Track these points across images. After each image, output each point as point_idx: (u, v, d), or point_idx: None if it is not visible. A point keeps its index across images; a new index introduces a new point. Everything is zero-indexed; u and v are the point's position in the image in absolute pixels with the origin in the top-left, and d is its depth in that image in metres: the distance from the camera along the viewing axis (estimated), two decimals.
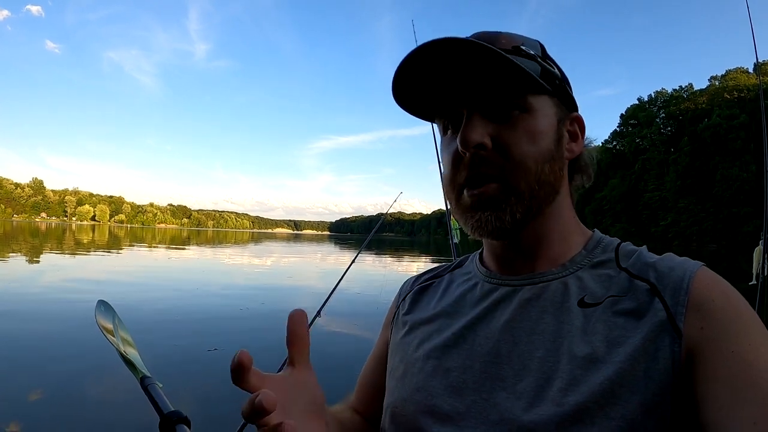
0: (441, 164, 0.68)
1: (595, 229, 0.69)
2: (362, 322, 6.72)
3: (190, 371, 4.43)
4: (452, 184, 0.62)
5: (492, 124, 0.58)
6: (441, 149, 0.66)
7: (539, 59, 0.60)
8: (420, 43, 0.55)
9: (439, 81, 0.60)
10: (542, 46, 0.64)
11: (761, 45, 3.45)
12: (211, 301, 8.25)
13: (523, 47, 0.60)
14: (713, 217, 71.31)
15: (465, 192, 0.60)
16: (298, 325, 0.47)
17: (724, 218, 69.06)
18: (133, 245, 27.50)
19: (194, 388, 3.98)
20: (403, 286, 0.82)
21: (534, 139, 0.58)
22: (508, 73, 0.56)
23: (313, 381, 0.49)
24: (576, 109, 0.66)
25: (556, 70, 0.63)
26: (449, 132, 0.63)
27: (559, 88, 0.62)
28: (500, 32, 0.61)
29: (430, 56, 0.56)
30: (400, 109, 0.63)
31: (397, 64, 0.58)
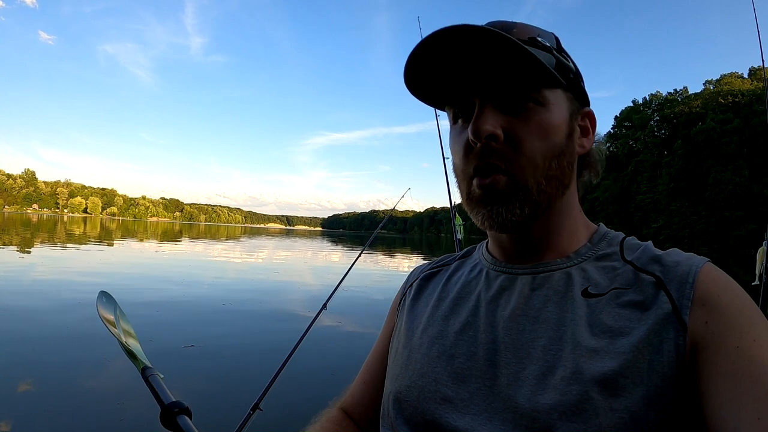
0: (452, 153, 0.67)
1: (600, 223, 0.69)
2: (354, 319, 6.62)
3: (165, 367, 4.28)
4: (463, 174, 0.61)
5: (504, 115, 0.57)
6: (450, 138, 0.65)
7: (554, 51, 0.60)
8: (433, 30, 0.54)
9: (451, 69, 0.59)
10: (557, 39, 0.62)
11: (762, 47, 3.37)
12: (194, 295, 8.09)
13: (539, 39, 0.59)
14: (705, 221, 71.67)
15: (474, 182, 0.59)
16: None
17: (716, 222, 69.41)
18: (125, 238, 27.19)
19: (170, 385, 3.88)
20: (411, 273, 0.82)
21: (546, 134, 0.58)
22: (523, 64, 0.55)
23: None
24: (588, 104, 0.66)
25: (571, 64, 0.62)
26: (460, 121, 0.62)
27: (572, 82, 0.62)
28: (516, 22, 0.60)
29: (444, 43, 0.55)
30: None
31: (409, 52, 0.56)
